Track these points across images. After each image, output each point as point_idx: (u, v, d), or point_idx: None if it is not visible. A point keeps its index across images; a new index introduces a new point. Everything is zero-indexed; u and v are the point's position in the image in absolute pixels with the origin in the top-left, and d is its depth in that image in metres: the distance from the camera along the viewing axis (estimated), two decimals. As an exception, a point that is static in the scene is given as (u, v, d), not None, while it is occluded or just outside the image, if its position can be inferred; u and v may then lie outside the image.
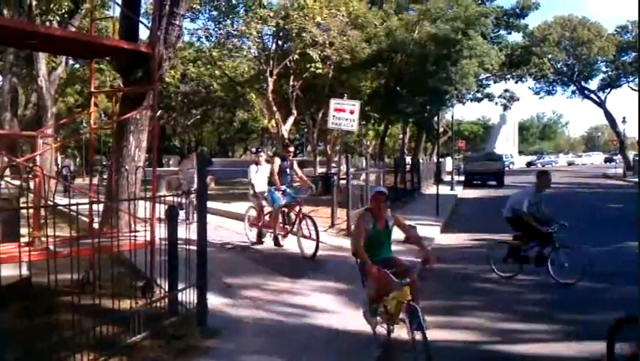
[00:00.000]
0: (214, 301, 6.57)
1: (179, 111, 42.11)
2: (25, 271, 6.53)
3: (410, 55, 28.20)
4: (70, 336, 4.53)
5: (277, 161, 11.02)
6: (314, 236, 10.16)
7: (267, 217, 11.49)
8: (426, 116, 30.17)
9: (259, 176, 11.79)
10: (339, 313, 6.75)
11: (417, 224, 12.73)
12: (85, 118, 21.84)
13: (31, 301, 5.85)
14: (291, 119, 27.40)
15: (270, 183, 11.04)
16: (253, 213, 12.04)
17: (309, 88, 29.16)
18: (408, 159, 28.34)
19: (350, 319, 6.46)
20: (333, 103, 14.80)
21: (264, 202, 11.53)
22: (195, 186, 12.35)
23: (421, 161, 29.68)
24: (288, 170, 11.07)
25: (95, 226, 7.71)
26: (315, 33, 23.85)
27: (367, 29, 27.46)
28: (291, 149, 12.13)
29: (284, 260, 10.00)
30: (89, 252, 5.82)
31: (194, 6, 24.63)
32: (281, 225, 11.19)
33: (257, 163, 12.16)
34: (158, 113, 8.87)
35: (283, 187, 10.81)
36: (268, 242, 11.41)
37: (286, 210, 11.07)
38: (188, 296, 5.85)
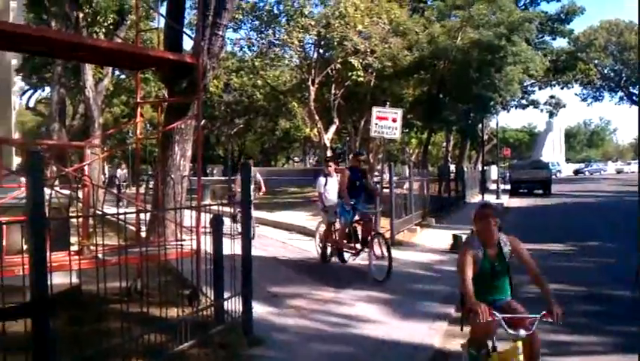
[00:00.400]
0: (259, 310, 6.57)
1: (223, 120, 42.66)
2: (75, 279, 6.66)
3: (453, 62, 28.00)
4: (120, 343, 4.57)
5: (347, 172, 10.17)
6: (386, 256, 9.00)
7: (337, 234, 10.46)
8: (470, 123, 29.87)
9: (329, 188, 10.85)
10: (384, 323, 6.67)
11: (463, 234, 12.54)
12: (131, 128, 22.30)
13: (81, 308, 5.94)
14: (333, 128, 27.45)
15: (340, 196, 10.16)
16: (324, 228, 10.89)
17: (350, 96, 29.22)
18: (452, 167, 28.02)
19: (396, 329, 6.37)
20: (375, 111, 14.70)
21: (334, 217, 10.49)
22: (253, 196, 12.33)
23: (465, 169, 29.32)
24: (359, 182, 10.13)
25: (142, 234, 7.83)
26: (356, 41, 23.93)
27: (409, 36, 27.38)
28: (362, 158, 11.12)
29: (329, 270, 9.94)
30: (136, 260, 5.89)
31: (237, 16, 24.96)
32: (350, 244, 10.17)
33: (326, 174, 11.08)
34: (202, 123, 8.96)
35: (353, 201, 9.83)
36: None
37: (357, 227, 10.06)
38: (233, 305, 5.86)
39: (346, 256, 10.26)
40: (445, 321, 6.75)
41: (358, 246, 9.94)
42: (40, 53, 11.53)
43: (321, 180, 11.05)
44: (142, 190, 8.96)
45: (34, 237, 3.87)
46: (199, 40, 8.89)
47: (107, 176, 27.57)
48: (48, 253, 4.09)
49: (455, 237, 11.98)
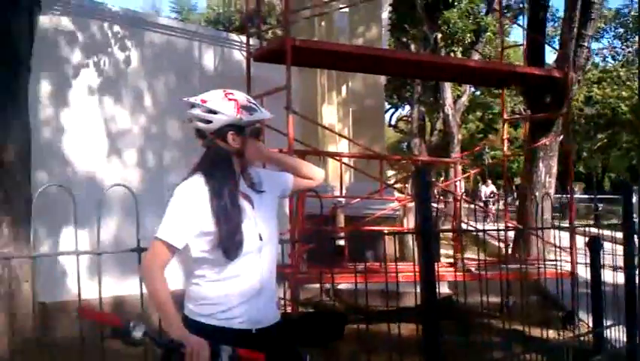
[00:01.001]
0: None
1: (584, 135, 40.27)
2: (446, 290, 7.03)
3: None
4: (502, 358, 4.65)
5: None
6: None
7: None
8: None
9: None
10: None
11: None
12: (495, 145, 22.74)
13: (454, 318, 6.20)
14: None
15: None
16: None
17: None
18: None
19: None
20: None
21: None
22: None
23: None
24: None
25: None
26: None
27: None
28: None
29: None
30: (514, 277, 5.91)
31: (599, 25, 23.40)
32: None
33: None
34: (562, 138, 8.70)
35: None
36: None
37: None
38: (614, 334, 5.47)
39: None
40: None
41: None
42: (408, 75, 12.49)
43: None
44: (501, 206, 9.03)
45: (424, 247, 4.16)
46: (565, 53, 8.64)
47: (463, 190, 28.31)
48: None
49: None
